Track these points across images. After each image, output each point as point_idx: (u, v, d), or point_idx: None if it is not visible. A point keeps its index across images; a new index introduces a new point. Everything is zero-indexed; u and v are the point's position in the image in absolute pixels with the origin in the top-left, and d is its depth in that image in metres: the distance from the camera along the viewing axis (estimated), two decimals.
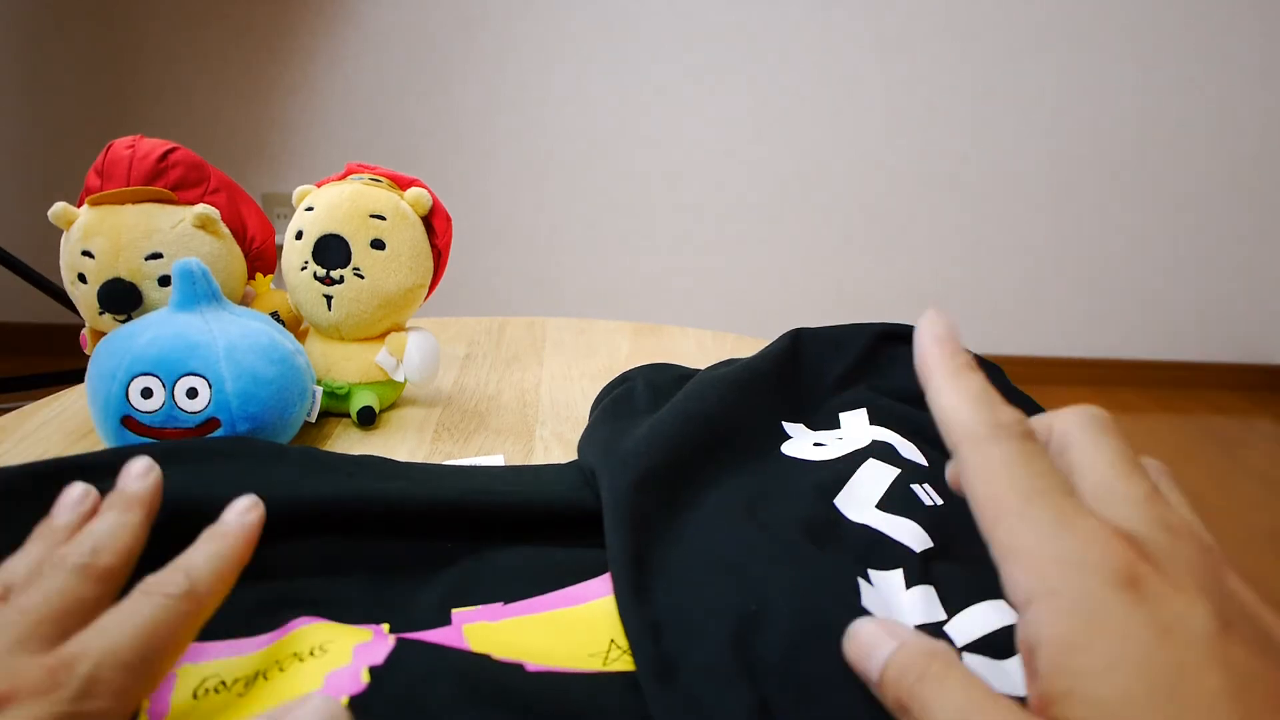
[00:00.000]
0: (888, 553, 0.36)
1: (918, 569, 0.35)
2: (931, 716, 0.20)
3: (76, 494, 0.30)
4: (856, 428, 0.47)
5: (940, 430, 0.23)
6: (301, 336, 0.57)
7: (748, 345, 0.72)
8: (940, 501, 0.40)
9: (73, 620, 0.25)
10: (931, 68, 1.91)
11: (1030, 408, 0.50)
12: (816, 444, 0.45)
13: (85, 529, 0.28)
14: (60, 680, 0.22)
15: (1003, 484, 0.21)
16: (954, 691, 0.20)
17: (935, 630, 0.32)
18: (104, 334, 0.50)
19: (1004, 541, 0.21)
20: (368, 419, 0.54)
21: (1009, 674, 0.30)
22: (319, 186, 0.54)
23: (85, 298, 0.50)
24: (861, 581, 0.34)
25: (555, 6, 1.83)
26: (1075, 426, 0.23)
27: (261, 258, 0.58)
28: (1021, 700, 0.20)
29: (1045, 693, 0.19)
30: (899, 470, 0.41)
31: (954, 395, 0.22)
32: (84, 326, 0.54)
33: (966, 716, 0.20)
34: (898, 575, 0.35)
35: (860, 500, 0.39)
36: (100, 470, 0.36)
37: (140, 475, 0.30)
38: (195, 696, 0.28)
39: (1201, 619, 0.18)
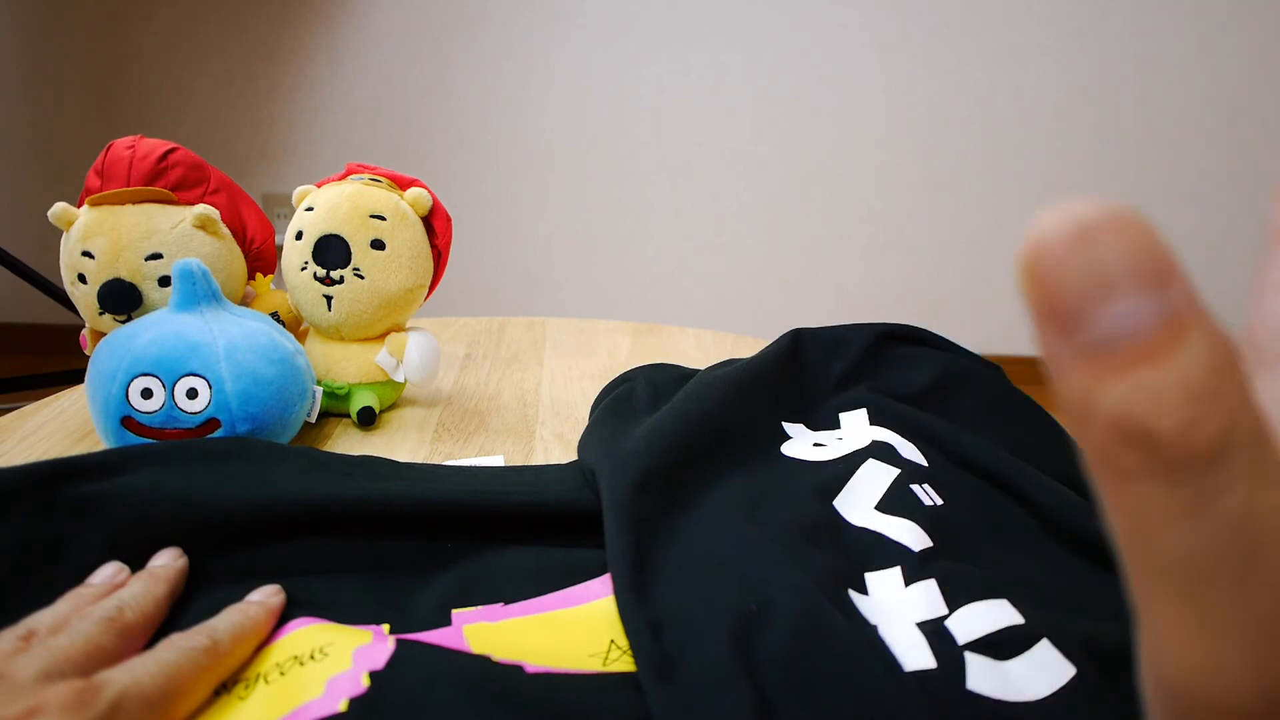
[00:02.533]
0: (887, 553, 0.36)
1: (916, 567, 0.35)
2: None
3: (109, 571, 0.33)
4: (856, 428, 0.47)
5: None
6: (301, 336, 0.57)
7: (748, 345, 0.72)
8: (940, 501, 0.40)
9: (94, 665, 0.26)
10: (931, 68, 1.91)
11: (1031, 407, 0.50)
12: (816, 444, 0.45)
13: (114, 593, 0.31)
14: (87, 701, 0.23)
15: None
16: None
17: (937, 625, 0.32)
18: (104, 334, 0.50)
19: None
20: (368, 419, 0.54)
21: (1009, 675, 0.30)
22: (319, 186, 0.54)
23: (85, 298, 0.50)
24: (861, 581, 0.34)
25: (555, 6, 1.83)
26: None
27: (261, 258, 0.58)
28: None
29: None
30: (899, 470, 0.41)
31: None
32: (84, 326, 0.54)
33: None
34: (896, 574, 0.35)
35: (860, 501, 0.39)
36: (100, 470, 0.36)
37: (170, 558, 0.34)
38: None
39: None
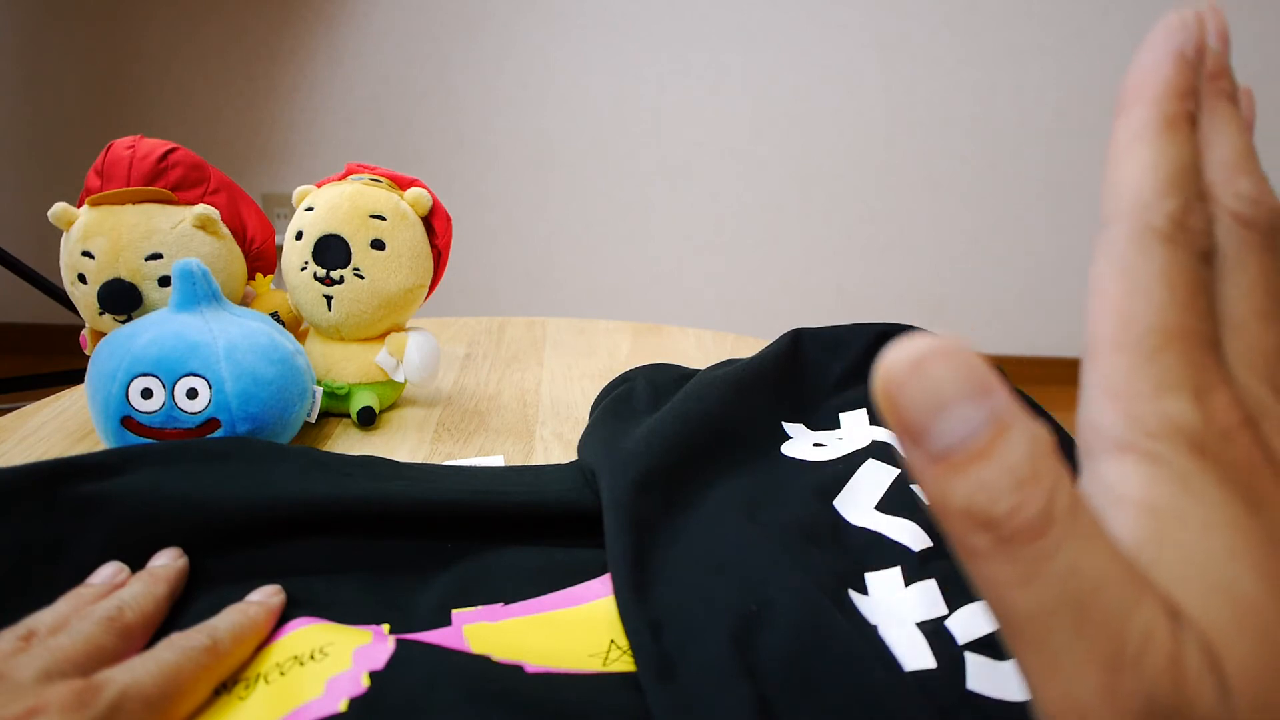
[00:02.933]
0: (887, 553, 0.36)
1: (916, 567, 0.35)
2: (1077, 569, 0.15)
3: (109, 571, 0.33)
4: (856, 428, 0.47)
5: (1104, 198, 0.17)
6: (301, 336, 0.57)
7: (748, 345, 0.72)
8: None
9: (94, 665, 0.26)
10: (931, 68, 1.91)
11: (1030, 408, 0.50)
12: (816, 444, 0.45)
13: (114, 593, 0.31)
14: (87, 701, 0.23)
15: (1145, 302, 0.16)
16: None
17: (936, 625, 0.32)
18: (104, 334, 0.50)
19: (1112, 370, 0.16)
20: (368, 419, 0.54)
21: (1009, 675, 0.30)
22: (319, 186, 0.54)
23: (85, 298, 0.50)
24: (861, 581, 0.34)
25: (555, 6, 1.83)
26: (1251, 244, 0.17)
27: (261, 258, 0.58)
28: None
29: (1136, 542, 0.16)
30: (899, 470, 0.41)
31: (1149, 156, 0.16)
32: (84, 326, 0.54)
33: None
34: (895, 574, 0.35)
35: (860, 501, 0.39)
36: (100, 470, 0.36)
37: (170, 558, 0.34)
38: None
39: None
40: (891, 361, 0.13)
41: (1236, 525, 0.14)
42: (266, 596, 0.32)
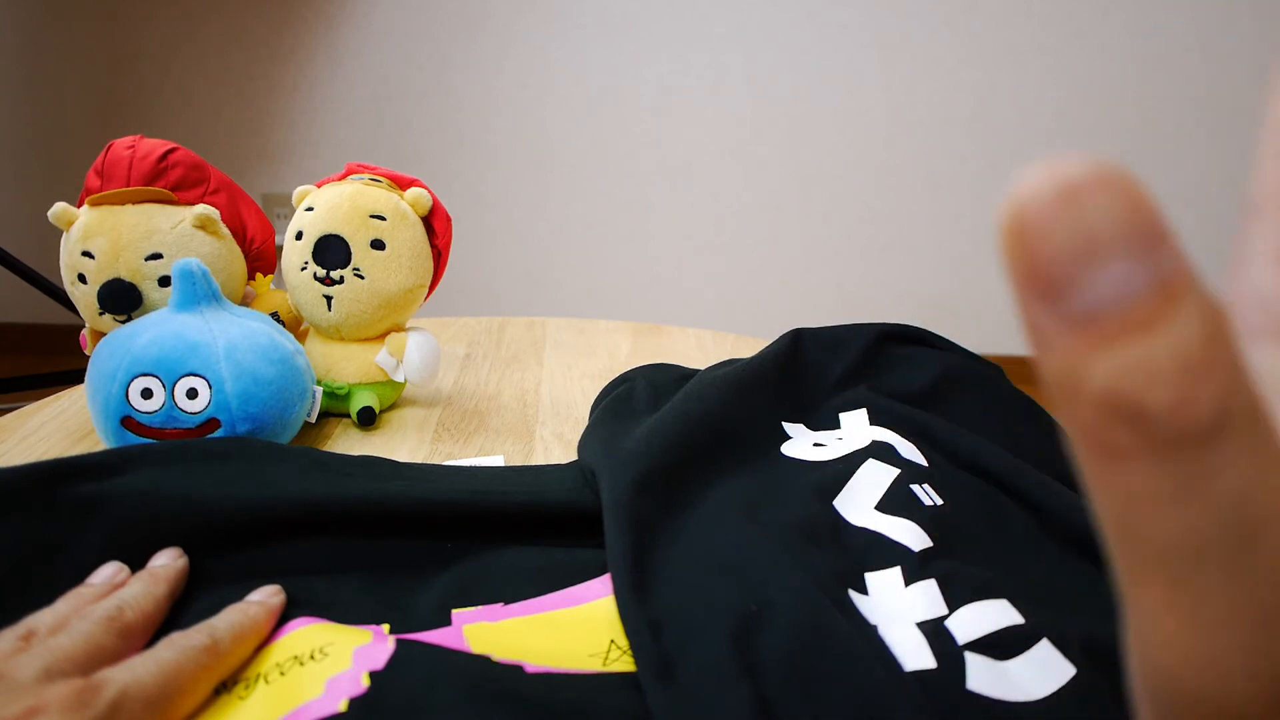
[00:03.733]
0: (887, 553, 0.36)
1: (916, 567, 0.35)
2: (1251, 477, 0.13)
3: (109, 571, 0.33)
4: (856, 428, 0.47)
5: None
6: (301, 337, 0.57)
7: (748, 345, 0.72)
8: (940, 501, 0.40)
9: (94, 664, 0.26)
10: (931, 68, 1.91)
11: (1031, 407, 0.50)
12: (816, 444, 0.45)
13: (114, 593, 0.31)
14: (87, 700, 0.23)
15: None
16: None
17: (937, 625, 0.32)
18: (104, 334, 0.50)
19: None
20: (368, 419, 0.54)
21: (1009, 675, 0.30)
22: (319, 186, 0.54)
23: (85, 298, 0.50)
24: (861, 581, 0.34)
25: (555, 6, 1.83)
26: None
27: (261, 258, 0.58)
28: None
29: None
30: (899, 470, 0.41)
31: None
32: (84, 326, 0.54)
33: None
34: (895, 574, 0.35)
35: (860, 501, 0.39)
36: (100, 470, 0.36)
37: (170, 558, 0.34)
38: None
39: None
40: (1031, 187, 0.10)
41: None
42: (266, 596, 0.32)
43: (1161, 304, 0.10)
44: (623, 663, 0.31)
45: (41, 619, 0.29)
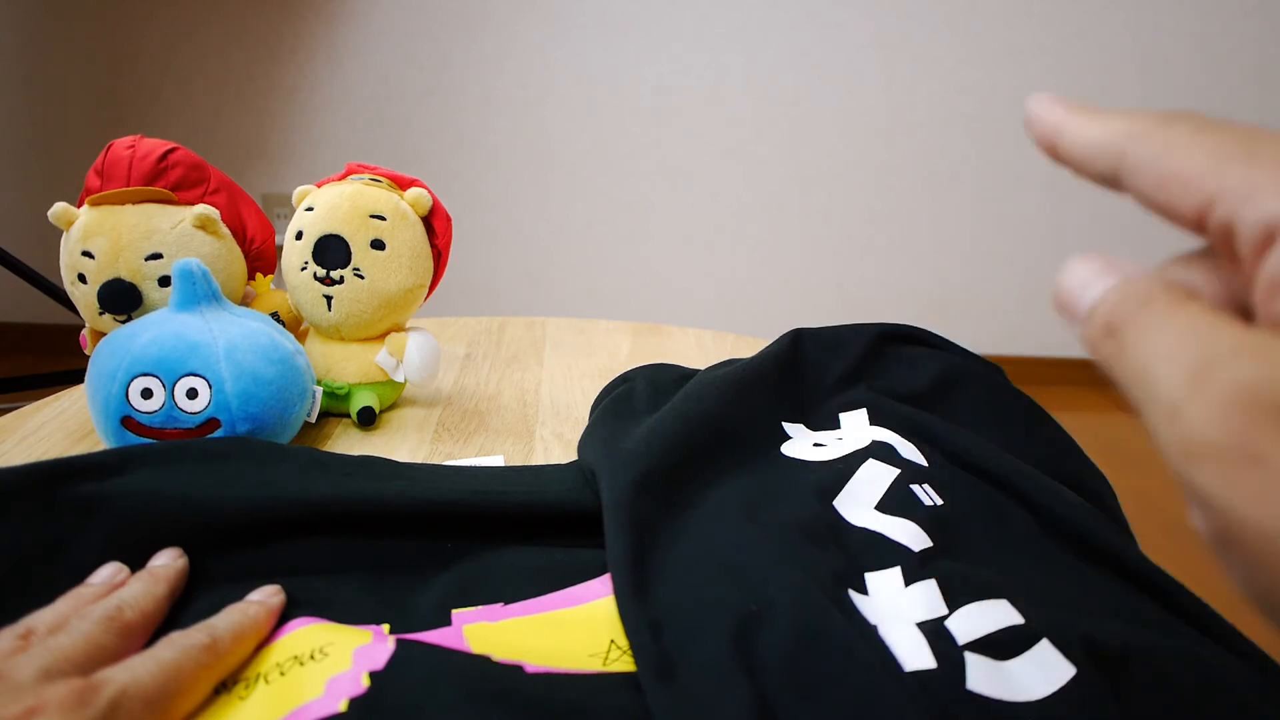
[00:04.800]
0: (886, 553, 0.36)
1: (916, 567, 0.35)
2: (1150, 341, 0.17)
3: (109, 571, 0.33)
4: (856, 428, 0.47)
5: None
6: (301, 336, 0.57)
7: (748, 345, 0.72)
8: (940, 502, 0.40)
9: (93, 664, 0.26)
10: (931, 68, 1.91)
11: (1031, 407, 0.50)
12: (816, 444, 0.45)
13: (114, 592, 0.31)
14: (87, 700, 0.23)
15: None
16: (1184, 317, 0.17)
17: (936, 625, 0.32)
18: (104, 334, 0.50)
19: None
20: (368, 419, 0.54)
21: (1009, 675, 0.30)
22: (319, 186, 0.54)
23: (85, 298, 0.50)
24: (861, 581, 0.34)
25: (555, 6, 1.83)
26: None
27: (261, 258, 0.58)
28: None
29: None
30: (899, 470, 0.41)
31: None
32: (84, 326, 0.54)
33: (1197, 333, 0.16)
34: (895, 574, 0.35)
35: (860, 501, 0.39)
36: (100, 470, 0.36)
37: (170, 558, 0.34)
38: None
39: None
40: None
41: None
42: (266, 596, 0.32)
43: None
44: (623, 663, 0.31)
45: (41, 618, 0.29)
